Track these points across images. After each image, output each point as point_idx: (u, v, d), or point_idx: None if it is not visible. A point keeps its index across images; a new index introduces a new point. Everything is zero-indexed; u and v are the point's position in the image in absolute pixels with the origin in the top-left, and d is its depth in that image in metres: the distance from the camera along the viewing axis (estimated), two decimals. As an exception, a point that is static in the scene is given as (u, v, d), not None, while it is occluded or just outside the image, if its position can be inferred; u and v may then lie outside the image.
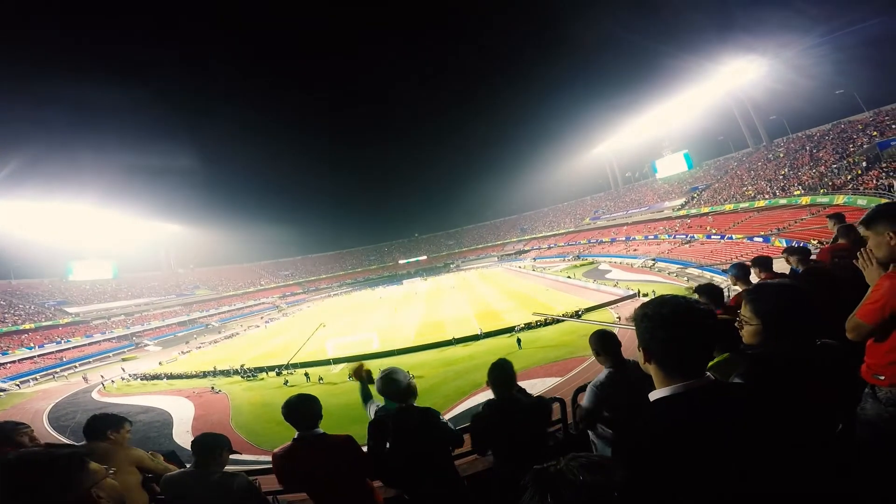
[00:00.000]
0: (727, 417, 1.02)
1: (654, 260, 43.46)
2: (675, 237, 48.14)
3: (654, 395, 1.12)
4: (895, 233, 1.73)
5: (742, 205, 42.52)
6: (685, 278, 34.56)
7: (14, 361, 39.71)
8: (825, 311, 1.88)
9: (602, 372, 2.64)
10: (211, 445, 2.31)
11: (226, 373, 28.63)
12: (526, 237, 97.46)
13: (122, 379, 32.28)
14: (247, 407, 20.98)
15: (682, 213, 53.37)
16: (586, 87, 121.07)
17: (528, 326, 28.04)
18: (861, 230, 1.93)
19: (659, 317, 1.10)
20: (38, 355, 42.19)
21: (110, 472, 1.18)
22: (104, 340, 50.31)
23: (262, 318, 68.90)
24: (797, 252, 4.06)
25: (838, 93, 44.37)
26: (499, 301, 41.41)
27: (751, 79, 53.95)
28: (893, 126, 33.27)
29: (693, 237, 44.56)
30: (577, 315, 28.46)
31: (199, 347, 45.21)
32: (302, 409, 2.26)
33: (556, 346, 22.56)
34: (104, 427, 2.34)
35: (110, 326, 54.54)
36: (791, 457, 1.01)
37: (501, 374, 2.49)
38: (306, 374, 24.83)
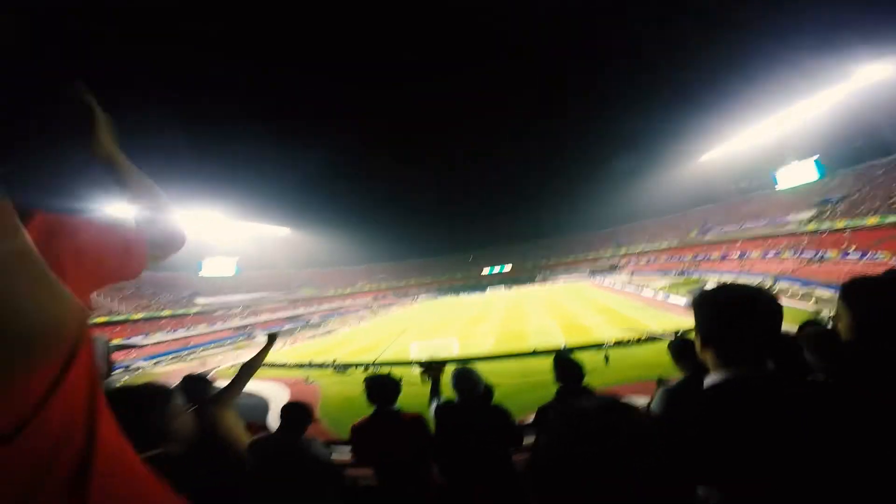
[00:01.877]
0: (779, 409, 0.97)
1: (774, 279, 37.96)
2: (801, 254, 41.68)
3: (707, 381, 1.09)
4: None
5: (890, 219, 36.00)
6: (812, 300, 29.61)
7: (151, 344, 46.46)
8: None
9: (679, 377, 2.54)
10: (296, 413, 2.53)
11: (320, 366, 30.91)
12: (622, 251, 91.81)
13: (234, 365, 35.79)
14: (334, 399, 22.32)
15: (811, 227, 46.43)
16: (695, 86, 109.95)
17: (619, 343, 26.11)
18: None
19: (718, 301, 1.08)
20: (171, 339, 49.23)
21: (189, 410, 1.45)
22: (223, 330, 57.38)
23: (356, 317, 73.49)
24: None
25: None
26: (587, 315, 39.22)
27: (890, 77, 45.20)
28: None
29: (825, 255, 38.15)
30: (676, 336, 25.73)
31: (300, 341, 49.44)
32: (383, 386, 2.54)
33: (648, 365, 20.55)
34: (199, 388, 2.63)
35: (230, 317, 62.18)
36: (845, 467, 0.91)
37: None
38: (389, 373, 25.76)
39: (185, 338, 50.92)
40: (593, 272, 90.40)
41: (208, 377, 2.87)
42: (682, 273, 60.14)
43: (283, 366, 32.81)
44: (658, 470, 0.61)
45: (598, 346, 26.08)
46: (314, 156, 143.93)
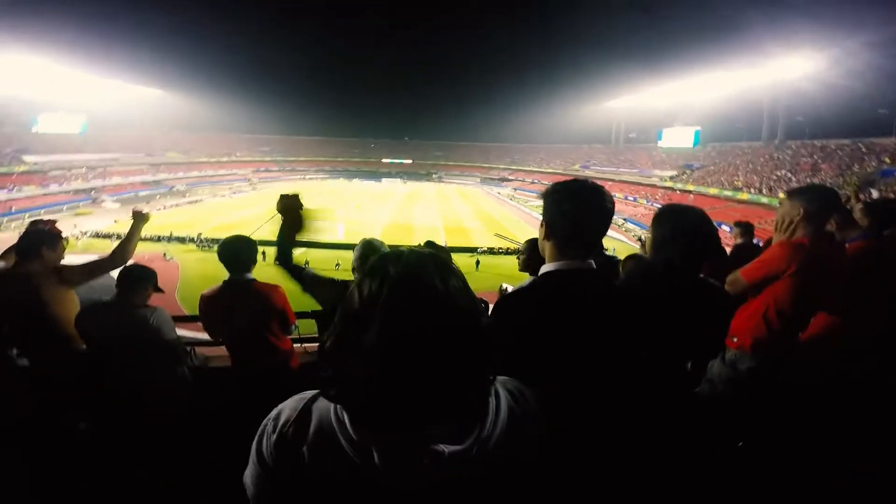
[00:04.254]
0: (595, 298, 1.13)
1: (624, 219, 43.21)
2: (652, 204, 47.68)
3: (543, 269, 1.18)
4: (804, 209, 1.87)
5: (726, 192, 43.21)
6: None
7: None
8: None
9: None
10: (136, 277, 2.17)
11: (181, 240, 28.08)
12: (513, 167, 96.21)
13: (74, 236, 29.00)
14: (196, 280, 20.18)
15: (668, 184, 53.64)
16: (614, 38, 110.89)
17: (491, 251, 28.35)
18: (783, 197, 2.10)
19: (566, 192, 1.14)
20: None
21: None
22: (60, 192, 47.24)
23: (230, 188, 67.21)
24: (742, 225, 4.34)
25: (881, 112, 42.19)
26: (470, 219, 41.43)
27: (794, 76, 48.95)
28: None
29: (660, 207, 45.25)
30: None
31: (160, 209, 43.83)
32: (236, 250, 2.23)
33: (510, 276, 22.88)
34: (38, 242, 2.15)
35: (69, 179, 51.35)
36: (628, 358, 1.13)
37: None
38: (263, 253, 24.30)
39: (7, 201, 40.36)
40: (484, 180, 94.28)
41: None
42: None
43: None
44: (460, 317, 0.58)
45: (472, 250, 27.99)
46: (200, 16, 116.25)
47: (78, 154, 59.49)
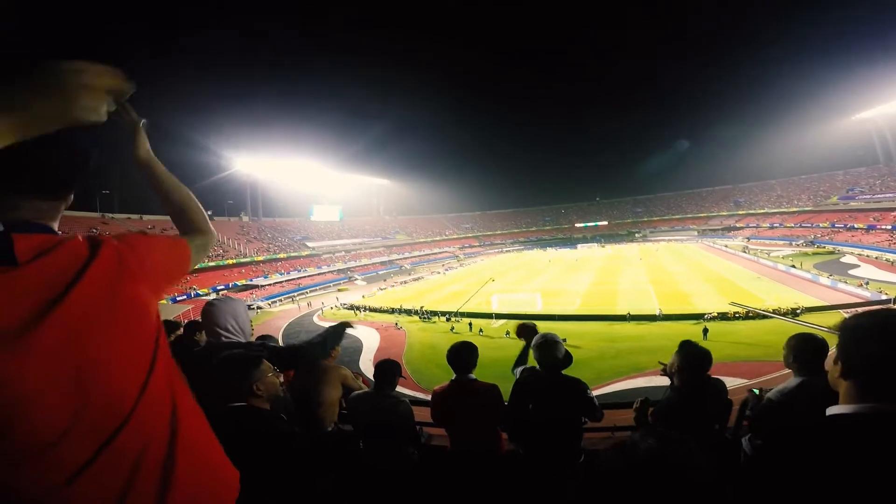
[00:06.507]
0: None
1: None
2: None
3: (832, 410, 0.90)
4: None
5: None
6: None
7: (270, 284, 51.28)
8: None
9: (791, 379, 2.11)
10: (390, 371, 2.80)
11: (408, 312, 32.89)
12: (740, 212, 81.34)
13: (335, 307, 38.71)
14: (418, 346, 23.74)
15: None
16: (858, 27, 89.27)
17: (722, 317, 24.03)
18: None
19: (874, 329, 0.86)
20: (286, 280, 54.10)
21: (275, 372, 1.73)
22: (329, 272, 62.30)
23: (443, 265, 76.07)
24: None
25: None
26: (689, 282, 36.23)
27: None
28: None
29: None
30: (792, 314, 22.97)
31: (392, 286, 52.72)
32: (463, 355, 2.66)
33: (752, 344, 18.81)
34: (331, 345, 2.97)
35: (334, 261, 67.72)
36: None
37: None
38: (470, 324, 26.84)
39: (298, 279, 55.69)
40: (703, 233, 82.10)
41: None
42: (811, 242, 52.23)
43: (376, 310, 35.70)
44: None
45: (697, 316, 24.27)
46: (412, 117, 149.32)
47: (339, 240, 78.37)
